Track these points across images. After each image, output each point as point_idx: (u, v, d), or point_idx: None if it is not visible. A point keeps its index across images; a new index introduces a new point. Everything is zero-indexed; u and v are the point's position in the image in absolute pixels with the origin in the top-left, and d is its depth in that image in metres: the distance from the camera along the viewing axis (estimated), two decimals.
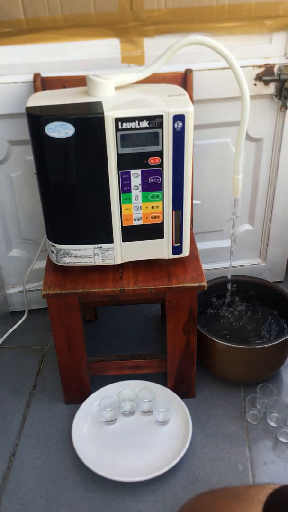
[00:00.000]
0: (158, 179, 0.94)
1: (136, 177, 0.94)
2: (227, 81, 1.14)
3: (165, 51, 0.94)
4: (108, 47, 1.11)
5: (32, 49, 1.10)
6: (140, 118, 0.87)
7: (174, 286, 1.02)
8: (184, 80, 1.11)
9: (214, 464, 1.07)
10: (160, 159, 0.92)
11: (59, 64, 1.12)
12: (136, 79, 0.96)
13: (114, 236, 1.00)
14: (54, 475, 1.06)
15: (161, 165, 0.93)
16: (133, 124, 0.88)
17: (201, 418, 1.17)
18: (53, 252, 1.03)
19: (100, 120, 0.87)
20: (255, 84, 1.19)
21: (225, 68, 1.14)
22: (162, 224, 1.00)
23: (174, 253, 1.04)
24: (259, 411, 1.16)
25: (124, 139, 0.89)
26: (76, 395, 1.19)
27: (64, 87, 1.08)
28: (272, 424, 1.14)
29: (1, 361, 1.35)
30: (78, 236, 1.00)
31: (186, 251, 1.05)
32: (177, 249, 1.04)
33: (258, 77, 1.18)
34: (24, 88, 1.11)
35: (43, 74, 1.10)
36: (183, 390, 1.19)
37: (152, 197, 0.96)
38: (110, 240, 1.00)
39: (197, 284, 1.02)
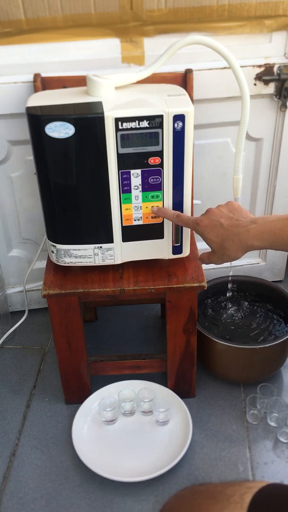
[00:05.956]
0: (158, 179, 0.94)
1: (136, 177, 0.94)
2: (227, 81, 1.14)
3: (165, 51, 0.94)
4: (108, 47, 1.12)
5: (32, 49, 1.10)
6: (140, 118, 0.87)
7: (174, 286, 1.02)
8: (184, 80, 1.12)
9: (214, 464, 1.07)
10: (160, 159, 0.92)
11: (59, 64, 1.12)
12: (136, 79, 0.96)
13: (114, 236, 1.00)
14: (54, 475, 1.06)
15: (161, 165, 0.93)
16: (133, 124, 0.88)
17: (201, 418, 1.17)
18: (53, 252, 1.03)
19: (100, 120, 0.87)
20: (255, 84, 1.19)
21: (225, 68, 1.14)
22: (162, 224, 1.00)
23: (174, 253, 1.04)
24: (259, 411, 1.16)
25: (124, 139, 0.89)
26: (76, 395, 1.19)
27: (64, 87, 1.08)
28: (272, 424, 1.14)
29: (1, 361, 1.35)
30: (78, 236, 1.00)
31: (186, 251, 1.05)
32: (177, 249, 1.04)
33: (258, 77, 1.18)
34: (24, 88, 1.12)
35: (43, 74, 1.10)
36: (183, 390, 1.19)
37: (152, 197, 0.96)
38: (110, 240, 1.00)
39: (197, 284, 1.02)
